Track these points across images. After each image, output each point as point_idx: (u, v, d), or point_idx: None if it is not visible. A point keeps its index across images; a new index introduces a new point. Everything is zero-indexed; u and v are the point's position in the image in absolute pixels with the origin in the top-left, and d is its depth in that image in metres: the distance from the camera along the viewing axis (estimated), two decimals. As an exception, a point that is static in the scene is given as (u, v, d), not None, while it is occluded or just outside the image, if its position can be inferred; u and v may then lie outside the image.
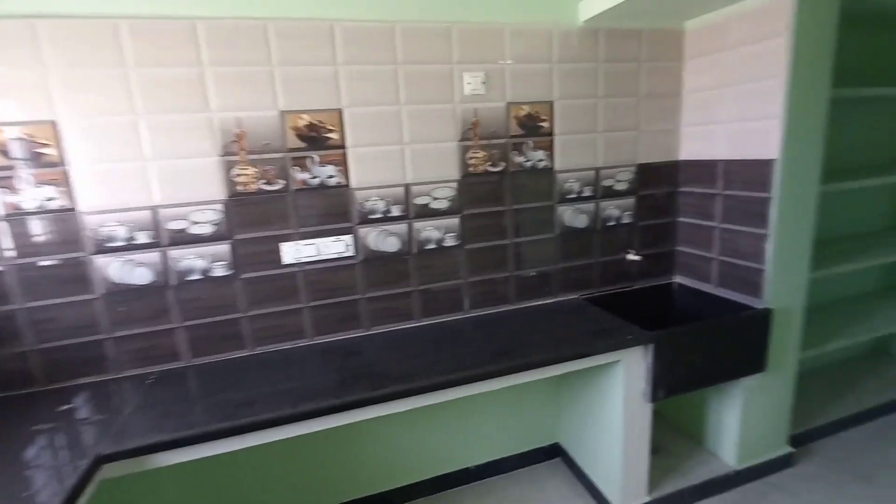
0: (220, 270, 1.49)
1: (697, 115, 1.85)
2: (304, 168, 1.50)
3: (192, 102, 1.37)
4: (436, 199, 1.66)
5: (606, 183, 1.87)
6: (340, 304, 1.63)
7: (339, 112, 1.50)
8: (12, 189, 1.28)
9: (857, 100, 2.10)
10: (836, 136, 1.68)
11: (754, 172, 1.65)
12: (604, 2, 1.59)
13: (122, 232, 1.38)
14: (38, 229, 1.31)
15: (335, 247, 1.58)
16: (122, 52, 1.29)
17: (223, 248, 1.48)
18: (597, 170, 1.85)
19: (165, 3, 1.29)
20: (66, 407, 1.30)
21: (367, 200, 1.59)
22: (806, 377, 2.40)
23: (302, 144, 1.49)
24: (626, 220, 1.94)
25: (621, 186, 1.90)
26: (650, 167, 1.92)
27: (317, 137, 1.50)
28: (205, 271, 1.48)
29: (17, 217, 1.29)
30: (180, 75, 1.35)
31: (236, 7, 1.35)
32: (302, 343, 1.62)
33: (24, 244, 1.31)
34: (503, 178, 1.73)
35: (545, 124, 1.73)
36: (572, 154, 1.79)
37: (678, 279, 2.06)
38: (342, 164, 1.54)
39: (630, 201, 1.93)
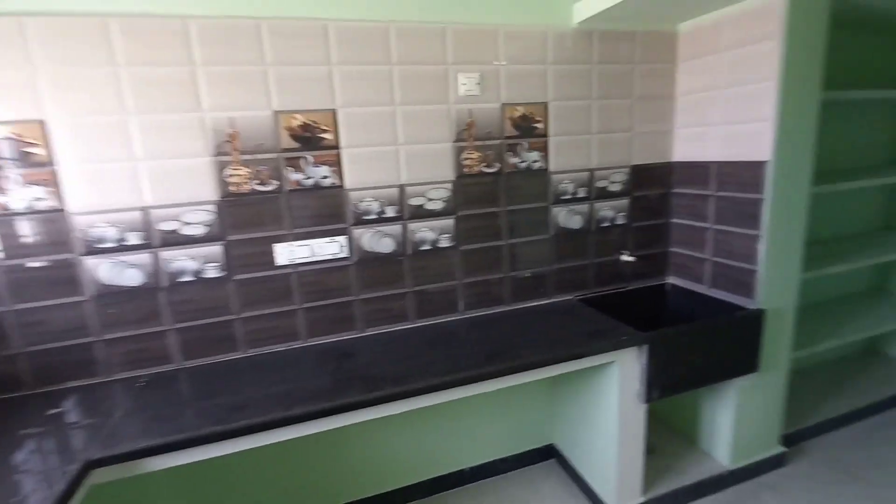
0: (212, 272, 1.47)
1: (691, 117, 1.86)
2: (297, 168, 1.49)
3: (184, 102, 1.35)
4: (430, 200, 1.66)
5: (600, 184, 1.88)
6: (334, 306, 1.62)
7: (334, 112, 1.49)
8: (0, 189, 1.26)
9: (846, 103, 2.12)
10: (825, 138, 1.70)
11: (747, 174, 1.66)
12: (598, 4, 1.59)
13: (112, 233, 1.36)
14: (26, 230, 1.29)
15: (329, 248, 1.57)
16: (112, 51, 1.27)
17: (215, 249, 1.47)
18: (591, 171, 1.85)
19: (157, 1, 1.28)
20: (55, 411, 1.28)
21: (361, 201, 1.58)
22: (797, 377, 2.43)
23: (296, 145, 1.48)
24: (620, 222, 1.95)
25: (615, 188, 1.91)
26: (644, 168, 1.93)
27: (311, 138, 1.48)
28: (197, 273, 1.46)
29: (4, 218, 1.27)
30: (172, 74, 1.33)
31: (229, 6, 1.34)
32: (295, 345, 1.60)
33: (12, 245, 1.29)
34: (498, 179, 1.73)
35: (540, 125, 1.74)
36: (567, 155, 1.80)
37: (672, 280, 2.07)
38: (336, 164, 1.53)
39: (624, 202, 1.93)
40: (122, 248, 1.38)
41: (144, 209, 1.38)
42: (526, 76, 1.68)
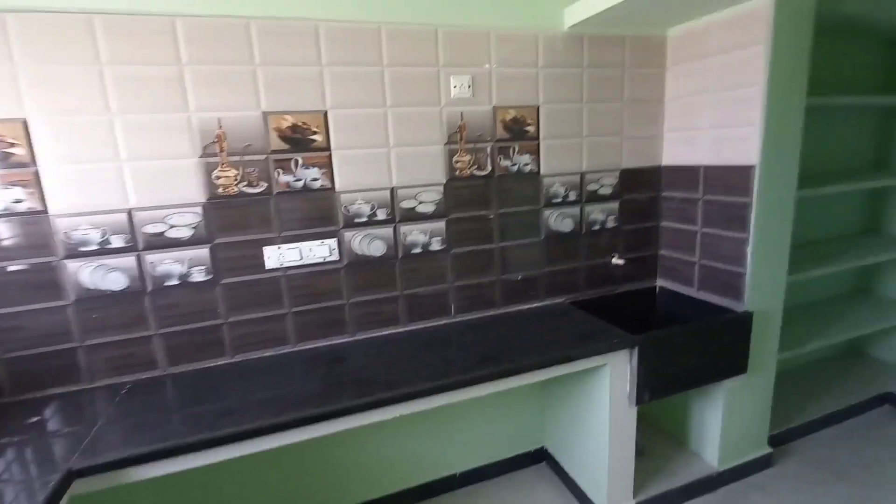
0: (199, 275, 1.44)
1: (679, 121, 1.88)
2: (287, 170, 1.47)
3: (171, 102, 1.33)
4: (422, 202, 1.65)
5: (591, 187, 1.89)
6: (325, 310, 1.60)
7: (324, 114, 1.48)
8: (-23, 190, 1.22)
9: (829, 108, 2.16)
10: (808, 142, 1.73)
11: (734, 178, 1.68)
12: (588, 8, 1.60)
13: (95, 235, 1.32)
14: (5, 232, 1.25)
15: (319, 251, 1.55)
16: (96, 49, 1.24)
17: (202, 252, 1.44)
18: (582, 174, 1.86)
19: (143, -1, 1.26)
20: (35, 419, 1.24)
21: (352, 204, 1.56)
22: (782, 378, 2.45)
23: (285, 146, 1.46)
24: (610, 225, 1.96)
25: (606, 191, 1.92)
26: (634, 172, 1.94)
27: (301, 139, 1.47)
28: (183, 276, 1.43)
29: (-18, 220, 1.23)
30: (158, 73, 1.30)
31: (217, 5, 1.32)
32: (285, 350, 1.58)
33: (-10, 248, 1.25)
34: (489, 181, 1.73)
35: (531, 128, 1.74)
36: (558, 158, 1.80)
37: (661, 282, 2.09)
38: (327, 166, 1.51)
39: (614, 205, 1.95)
40: (106, 251, 1.34)
41: (129, 211, 1.34)
42: (517, 79, 1.68)
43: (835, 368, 2.61)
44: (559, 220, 1.87)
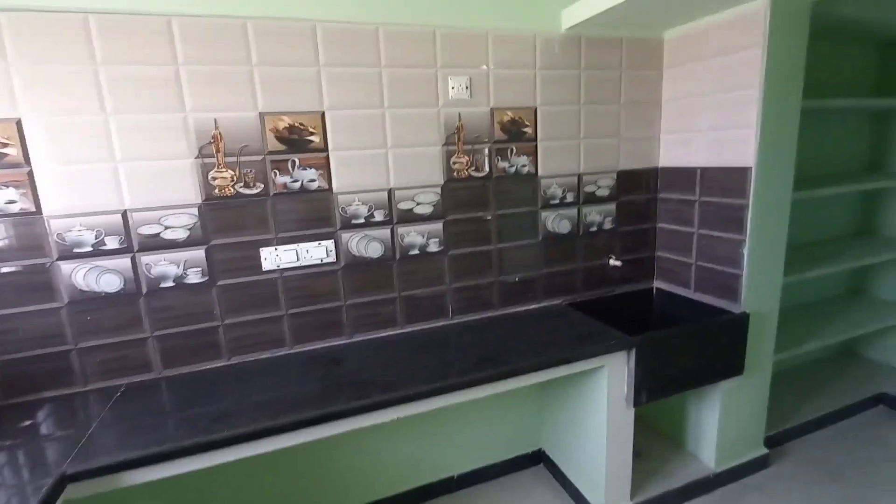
0: (194, 277, 1.43)
1: (676, 123, 1.89)
2: (284, 171, 1.46)
3: (167, 102, 1.32)
4: (419, 203, 1.64)
5: (588, 189, 1.89)
6: (322, 312, 1.59)
7: (322, 114, 1.47)
8: (-31, 191, 1.20)
9: (823, 110, 2.17)
10: (803, 145, 1.75)
11: (731, 180, 1.69)
12: (585, 10, 1.60)
13: (89, 237, 1.31)
14: (-3, 234, 1.24)
15: (316, 252, 1.54)
16: (91, 49, 1.23)
17: (198, 253, 1.42)
18: (579, 176, 1.86)
19: (139, -2, 1.24)
20: (28, 422, 1.22)
21: (349, 205, 1.56)
22: (777, 379, 2.47)
23: (282, 147, 1.45)
24: (607, 226, 1.96)
25: (603, 192, 1.92)
26: (631, 173, 1.95)
27: (298, 140, 1.46)
28: (178, 278, 1.42)
29: (-26, 221, 1.22)
30: (154, 74, 1.29)
31: (214, 4, 1.31)
32: (281, 352, 1.57)
33: (-18, 250, 1.23)
34: (487, 183, 1.73)
35: (528, 130, 1.74)
36: (555, 160, 1.80)
37: (658, 284, 2.09)
38: (324, 167, 1.50)
39: (611, 207, 1.95)
40: (100, 253, 1.33)
41: (124, 212, 1.33)
42: (515, 81, 1.68)
43: (829, 369, 2.62)
44: (557, 222, 1.87)
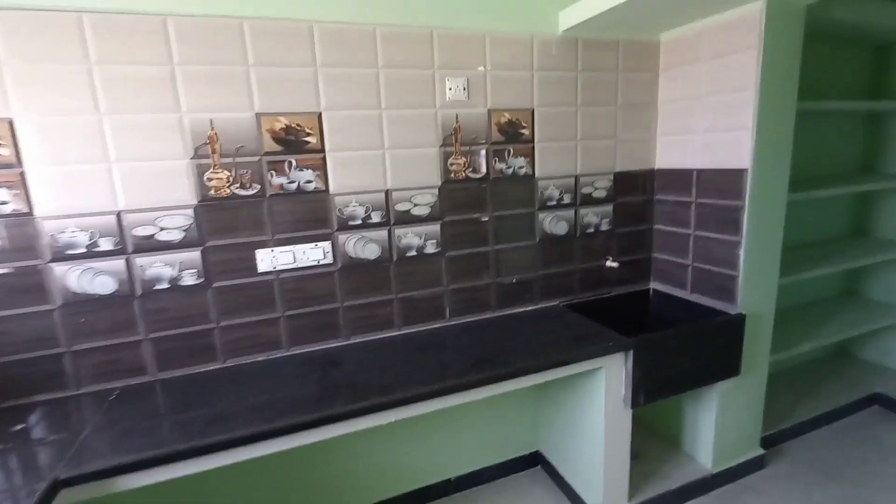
0: (190, 279, 1.42)
1: (672, 125, 1.90)
2: (280, 172, 1.45)
3: (162, 102, 1.30)
4: (416, 205, 1.64)
5: (585, 190, 1.89)
6: (318, 314, 1.58)
7: (318, 115, 1.46)
8: (-40, 192, 1.18)
9: (817, 113, 2.19)
10: (797, 147, 1.76)
11: (727, 181, 1.69)
12: (582, 12, 1.61)
13: (83, 238, 1.29)
14: (-11, 235, 1.22)
15: (313, 254, 1.53)
16: (85, 48, 1.22)
17: (194, 255, 1.41)
18: (576, 177, 1.86)
19: (134, -3, 1.23)
20: (20, 426, 1.20)
21: (346, 206, 1.55)
22: (772, 380, 2.48)
23: (279, 148, 1.44)
24: (604, 228, 1.96)
25: (600, 194, 1.92)
26: (627, 175, 1.95)
27: (294, 141, 1.45)
28: (173, 280, 1.40)
29: (-35, 222, 1.20)
30: (149, 74, 1.28)
31: (210, 4, 1.30)
32: (278, 354, 1.56)
33: (-27, 251, 1.22)
34: (484, 184, 1.72)
35: (526, 131, 1.74)
36: (552, 161, 1.80)
37: (654, 285, 2.09)
38: (321, 168, 1.49)
39: (608, 209, 1.95)
40: (94, 255, 1.31)
41: (118, 213, 1.32)
42: (512, 82, 1.68)
43: (824, 370, 2.64)
44: (554, 223, 1.87)
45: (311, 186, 1.50)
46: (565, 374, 1.50)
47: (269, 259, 1.49)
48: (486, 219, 1.75)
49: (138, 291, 1.37)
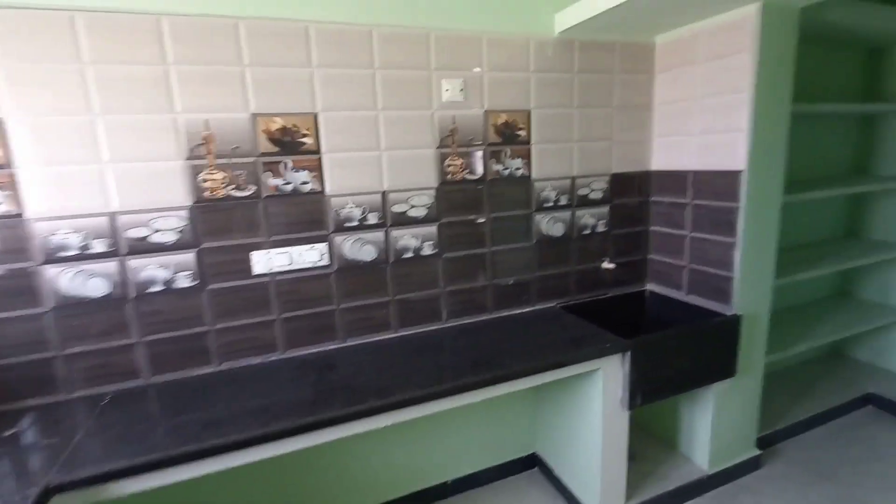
0: (184, 281, 1.40)
1: (667, 127, 1.90)
2: (276, 173, 1.44)
3: (156, 102, 1.29)
4: (413, 206, 1.63)
5: (582, 192, 1.89)
6: (314, 316, 1.57)
7: (314, 116, 1.45)
8: (-51, 193, 1.16)
9: (810, 115, 2.21)
10: (790, 149, 1.77)
11: (722, 183, 1.70)
12: (578, 15, 1.61)
13: (75, 240, 1.28)
14: (-22, 237, 1.20)
15: (309, 256, 1.52)
16: (78, 48, 1.20)
17: (188, 257, 1.40)
18: (572, 179, 1.86)
19: (127, -3, 1.22)
20: (11, 431, 1.18)
21: (342, 208, 1.54)
22: (767, 380, 2.48)
23: (274, 149, 1.43)
24: (600, 229, 1.96)
25: (596, 195, 1.92)
26: (623, 177, 1.96)
27: (290, 142, 1.44)
28: (167, 282, 1.39)
29: (-46, 224, 1.18)
30: (143, 73, 1.27)
31: (205, 4, 1.29)
32: (273, 357, 1.54)
33: (-37, 254, 1.19)
34: (481, 186, 1.72)
35: (522, 133, 1.74)
36: (549, 163, 1.80)
37: (650, 286, 2.10)
38: (317, 169, 1.48)
39: (604, 210, 1.95)
40: (86, 257, 1.29)
41: (111, 215, 1.30)
42: (509, 83, 1.68)
43: (817, 370, 2.65)
44: (550, 225, 1.87)
45: (307, 188, 1.48)
46: (563, 376, 1.50)
47: (265, 261, 1.47)
48: (483, 220, 1.75)
49: (132, 294, 1.36)
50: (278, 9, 1.35)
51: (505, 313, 1.86)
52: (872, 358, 2.68)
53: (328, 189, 1.51)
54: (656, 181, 1.99)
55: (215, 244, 1.42)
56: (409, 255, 1.66)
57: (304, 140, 1.45)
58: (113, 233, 1.31)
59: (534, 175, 1.79)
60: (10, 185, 1.20)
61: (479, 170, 1.70)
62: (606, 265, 1.98)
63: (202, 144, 1.35)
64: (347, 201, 1.54)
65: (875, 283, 2.65)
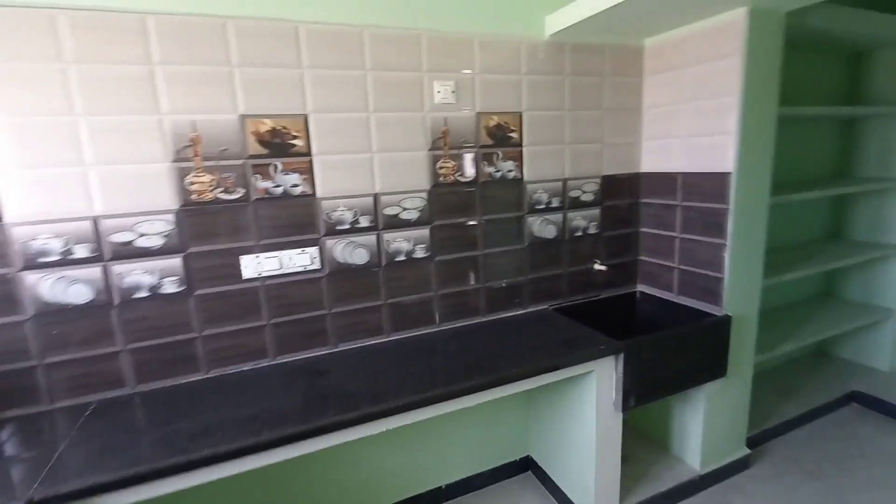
0: (170, 287, 1.36)
1: (657, 129, 1.92)
2: (266, 176, 1.41)
3: (141, 103, 1.25)
4: (405, 209, 1.62)
5: (573, 194, 1.89)
6: (305, 321, 1.54)
7: (305, 118, 1.43)
8: (-78, 197, 1.12)
9: (795, 118, 2.25)
10: (775, 151, 1.81)
11: (712, 185, 1.72)
12: (568, 17, 1.62)
13: (56, 245, 1.23)
14: (-47, 243, 1.15)
15: (300, 260, 1.50)
16: (59, 47, 1.16)
17: (175, 262, 1.36)
18: (564, 181, 1.87)
19: (111, -6, 1.19)
20: (-14, 446, 1.13)
21: (333, 211, 1.52)
22: (754, 380, 2.51)
23: (264, 151, 1.40)
24: (592, 231, 1.97)
25: (587, 197, 1.93)
26: (614, 179, 1.96)
27: (280, 144, 1.41)
28: (153, 288, 1.35)
29: (-73, 229, 1.13)
30: (127, 73, 1.23)
31: (191, 2, 1.26)
32: (263, 363, 1.51)
33: (-63, 260, 1.15)
34: (473, 188, 1.71)
35: (514, 135, 1.73)
36: (541, 165, 1.80)
37: (641, 288, 2.11)
38: (307, 172, 1.46)
39: (595, 212, 1.96)
40: (69, 262, 1.25)
41: (94, 219, 1.26)
42: (500, 85, 1.68)
43: (803, 369, 2.70)
44: (542, 227, 1.86)
45: (298, 190, 1.46)
46: (557, 379, 1.49)
47: (254, 265, 1.44)
48: (475, 223, 1.74)
49: (116, 300, 1.31)
50: (267, 8, 1.33)
51: (498, 316, 1.85)
52: (855, 356, 2.74)
53: (319, 192, 1.49)
54: (646, 183, 2.00)
55: (203, 248, 1.38)
56: (402, 258, 1.64)
57: (295, 142, 1.43)
58: (96, 237, 1.27)
59: (526, 177, 1.79)
60: (-12, 189, 1.16)
61: (471, 172, 1.69)
62: (598, 267, 1.98)
63: (189, 146, 1.32)
64: (339, 204, 1.52)
65: (857, 282, 2.70)
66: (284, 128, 1.41)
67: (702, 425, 1.84)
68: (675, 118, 1.82)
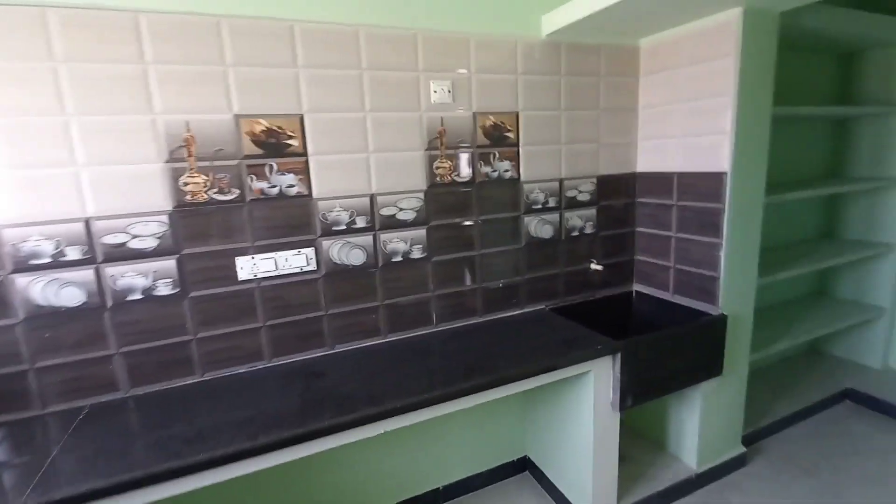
0: (164, 289, 1.35)
1: (652, 129, 1.92)
2: (261, 176, 1.40)
3: (134, 103, 1.24)
4: (402, 209, 1.61)
5: (570, 194, 1.89)
6: (301, 322, 1.53)
7: (300, 118, 1.42)
8: None
9: (789, 118, 2.26)
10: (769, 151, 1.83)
11: (707, 184, 1.72)
12: (564, 17, 1.62)
13: (48, 247, 1.21)
14: (-59, 245, 1.13)
15: (296, 261, 1.48)
16: (50, 45, 1.14)
17: (169, 263, 1.34)
18: (560, 181, 1.86)
19: (103, -8, 1.17)
20: (-24, 452, 1.11)
21: (330, 211, 1.50)
22: (749, 379, 2.53)
23: (259, 151, 1.38)
24: (588, 231, 1.97)
25: (584, 197, 1.93)
26: (610, 179, 1.97)
27: (276, 144, 1.40)
28: (147, 290, 1.33)
29: (-86, 231, 1.11)
30: (120, 72, 1.21)
31: (185, 1, 1.24)
32: (259, 366, 1.50)
33: (-76, 263, 1.12)
34: (470, 188, 1.70)
35: (511, 135, 1.73)
36: (537, 165, 1.80)
37: (637, 287, 2.11)
38: (303, 172, 1.45)
39: (592, 212, 1.96)
40: (60, 265, 1.23)
41: (86, 220, 1.24)
42: (497, 85, 1.67)
43: (797, 367, 2.72)
44: (539, 227, 1.86)
45: (294, 191, 1.45)
46: (554, 379, 1.49)
47: (250, 266, 1.43)
48: (472, 223, 1.73)
49: (109, 303, 1.30)
50: (262, 7, 1.32)
51: (495, 316, 1.84)
52: (849, 354, 2.76)
53: (315, 192, 1.47)
54: (642, 183, 2.01)
55: (197, 250, 1.37)
56: (398, 258, 1.63)
57: (290, 142, 1.42)
58: (88, 239, 1.25)
59: (522, 177, 1.78)
60: (-23, 190, 1.13)
61: (468, 172, 1.69)
62: (594, 267, 1.98)
63: (183, 147, 1.30)
64: (335, 205, 1.51)
65: (850, 281, 2.73)
66: (280, 128, 1.40)
67: (698, 424, 1.85)
68: (671, 118, 1.82)
